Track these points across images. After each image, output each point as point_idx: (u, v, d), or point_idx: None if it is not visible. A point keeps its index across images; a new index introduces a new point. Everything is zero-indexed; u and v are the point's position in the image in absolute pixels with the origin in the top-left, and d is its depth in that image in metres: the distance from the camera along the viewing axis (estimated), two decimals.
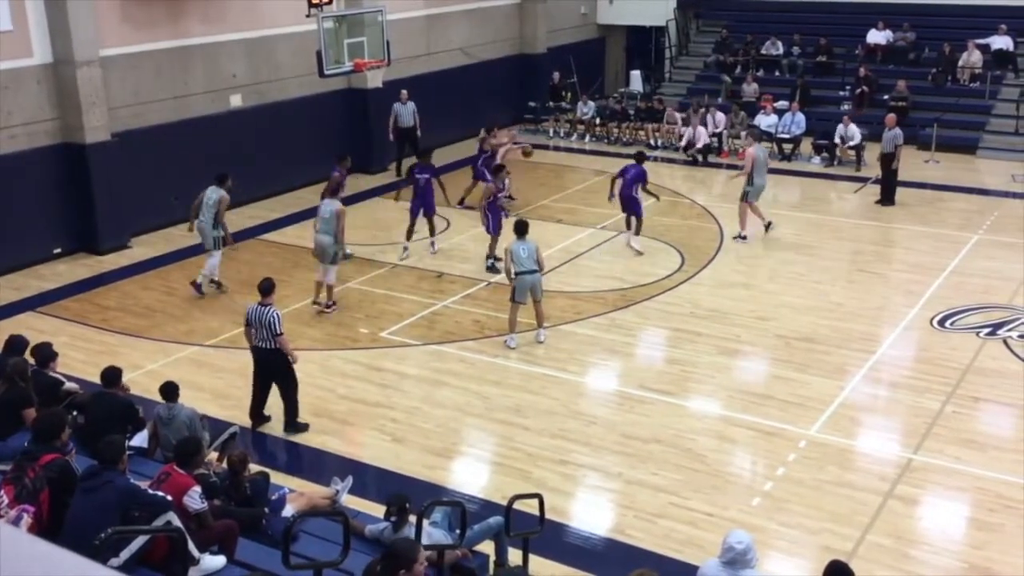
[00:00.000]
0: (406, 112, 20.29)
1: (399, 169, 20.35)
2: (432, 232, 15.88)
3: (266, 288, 10.46)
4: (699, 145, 21.44)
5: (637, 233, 15.90)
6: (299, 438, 10.39)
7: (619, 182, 15.87)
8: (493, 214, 15.05)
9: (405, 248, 15.73)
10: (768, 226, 16.40)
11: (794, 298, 13.85)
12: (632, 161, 16.13)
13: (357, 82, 20.09)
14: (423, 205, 15.58)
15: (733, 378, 11.67)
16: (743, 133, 21.84)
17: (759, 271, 15.09)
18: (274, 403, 10.89)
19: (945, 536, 8.62)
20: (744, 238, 16.30)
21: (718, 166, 21.29)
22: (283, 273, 15.12)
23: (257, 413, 10.61)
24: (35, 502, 6.29)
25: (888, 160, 17.96)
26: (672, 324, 13.10)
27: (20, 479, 6.36)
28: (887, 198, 18.13)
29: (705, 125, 22.02)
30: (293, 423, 10.49)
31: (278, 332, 10.15)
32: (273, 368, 10.38)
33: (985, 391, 11.12)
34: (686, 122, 22.29)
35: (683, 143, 21.83)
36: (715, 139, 21.93)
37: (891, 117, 18.32)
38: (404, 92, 20.22)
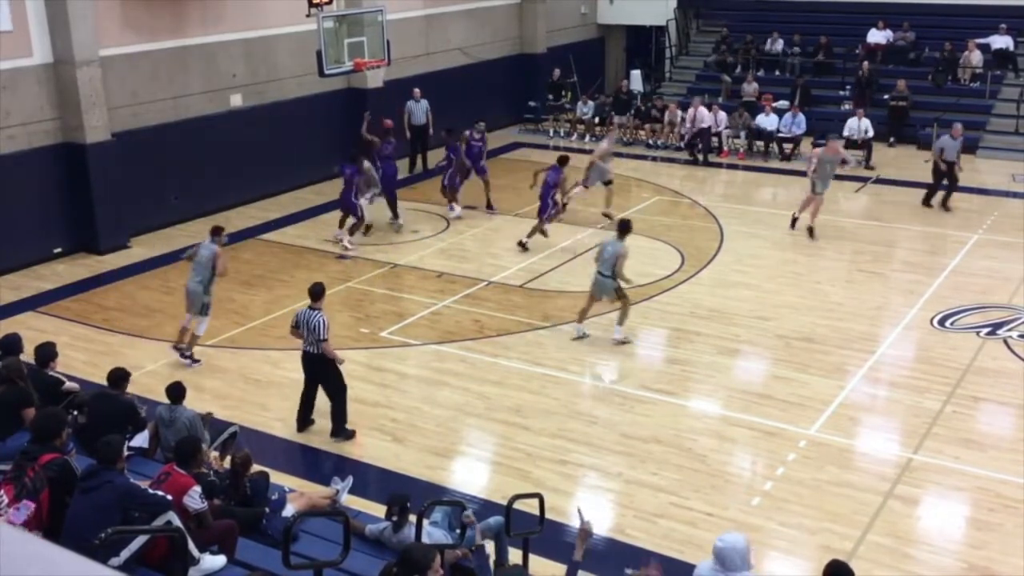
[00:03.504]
0: (419, 110, 20.31)
1: (413, 166, 20.41)
2: (341, 225, 16.17)
3: (317, 292, 10.27)
4: (703, 125, 21.36)
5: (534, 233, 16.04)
6: (301, 438, 10.38)
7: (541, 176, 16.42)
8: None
9: (347, 247, 15.93)
10: None
11: (794, 298, 13.84)
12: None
13: (357, 82, 20.09)
14: (347, 201, 15.86)
15: (733, 378, 11.68)
16: (743, 133, 21.87)
17: (759, 271, 15.09)
18: (278, 406, 10.90)
19: (945, 536, 8.62)
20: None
21: (718, 165, 21.30)
22: (283, 273, 15.15)
23: (303, 417, 10.51)
24: (35, 501, 6.29)
25: (950, 166, 17.86)
26: (672, 324, 13.10)
27: (20, 478, 6.35)
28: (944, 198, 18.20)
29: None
30: (340, 429, 10.35)
31: (322, 337, 10.03)
32: (319, 372, 10.29)
33: (985, 391, 11.13)
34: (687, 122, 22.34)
35: (684, 132, 21.72)
36: (715, 138, 21.94)
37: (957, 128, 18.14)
38: (417, 90, 20.21)
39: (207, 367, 12.04)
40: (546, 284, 14.64)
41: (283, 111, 19.20)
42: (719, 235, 16.66)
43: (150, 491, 6.27)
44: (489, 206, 17.97)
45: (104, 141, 16.04)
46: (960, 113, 22.12)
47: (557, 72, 25.13)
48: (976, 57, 22.88)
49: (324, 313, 10.15)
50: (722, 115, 22.01)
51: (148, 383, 11.32)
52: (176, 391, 8.73)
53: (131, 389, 8.99)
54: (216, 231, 12.10)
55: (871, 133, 20.53)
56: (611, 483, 9.48)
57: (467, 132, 17.83)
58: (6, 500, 6.22)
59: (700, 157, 21.45)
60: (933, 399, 10.91)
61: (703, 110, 21.58)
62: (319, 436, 10.39)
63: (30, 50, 15.43)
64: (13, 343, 9.18)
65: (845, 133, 20.79)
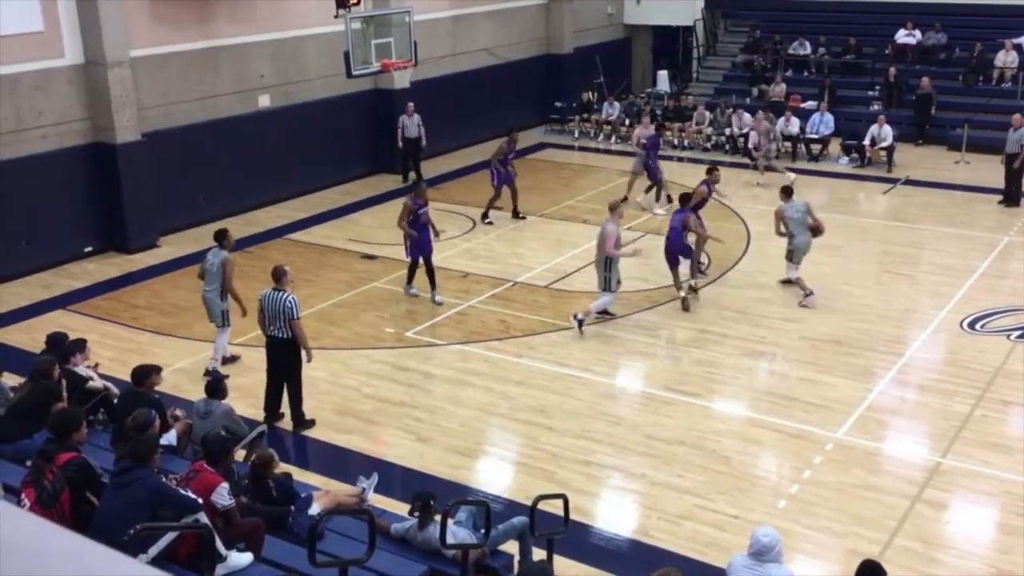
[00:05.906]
0: (411, 124, 20.38)
1: (406, 176, 20.52)
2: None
3: (278, 273, 10.45)
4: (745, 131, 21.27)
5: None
6: (325, 436, 10.44)
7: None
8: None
9: None
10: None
11: (821, 299, 13.74)
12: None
13: (384, 83, 20.17)
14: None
15: (758, 380, 11.63)
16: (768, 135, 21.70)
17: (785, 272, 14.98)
18: (305, 403, 10.94)
19: (972, 541, 8.55)
20: None
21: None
22: (309, 273, 15.22)
23: (273, 409, 10.65)
24: (56, 504, 6.33)
25: (1012, 160, 17.75)
26: (697, 325, 13.05)
27: (39, 481, 6.41)
28: (1012, 199, 17.89)
29: (730, 125, 21.98)
30: (301, 422, 10.56)
31: (295, 317, 10.16)
32: (283, 360, 10.44)
33: (1015, 394, 11.00)
34: (714, 122, 22.18)
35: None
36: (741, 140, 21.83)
37: (1017, 117, 18.11)
38: (411, 105, 20.22)
39: (235, 365, 12.12)
40: (571, 284, 14.63)
41: (310, 112, 19.30)
42: (745, 236, 16.59)
43: (181, 492, 6.31)
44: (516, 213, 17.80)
45: (134, 141, 16.19)
46: (990, 114, 21.93)
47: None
48: (1012, 57, 22.62)
49: (292, 294, 10.29)
50: (747, 117, 21.91)
51: (177, 381, 11.43)
52: (215, 387, 8.89)
53: (160, 387, 9.07)
54: (220, 235, 11.78)
55: (888, 141, 20.35)
56: (635, 484, 9.46)
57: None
58: (28, 504, 6.28)
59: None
60: (962, 402, 10.81)
61: (747, 116, 21.38)
62: (344, 435, 10.45)
63: (61, 51, 15.61)
64: (56, 341, 9.35)
65: (867, 140, 20.63)
